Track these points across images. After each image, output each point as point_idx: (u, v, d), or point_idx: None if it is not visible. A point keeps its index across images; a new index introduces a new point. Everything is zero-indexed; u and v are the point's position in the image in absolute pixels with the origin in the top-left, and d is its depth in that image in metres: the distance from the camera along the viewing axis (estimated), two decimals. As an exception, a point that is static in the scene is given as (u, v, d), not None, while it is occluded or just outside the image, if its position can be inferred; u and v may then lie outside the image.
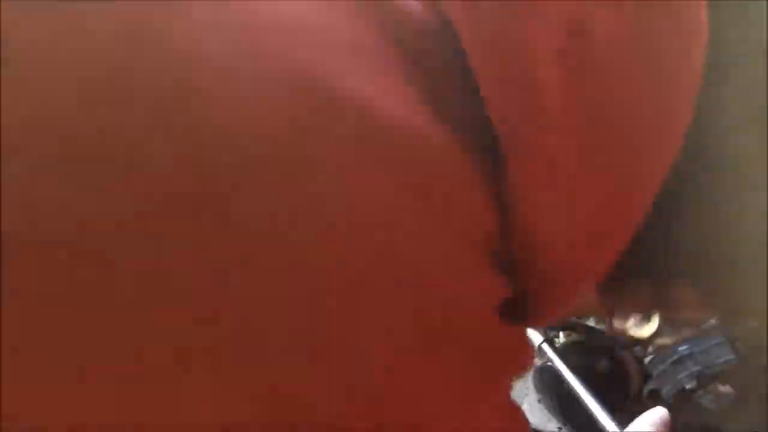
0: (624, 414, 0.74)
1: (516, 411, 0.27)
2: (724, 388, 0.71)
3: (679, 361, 0.69)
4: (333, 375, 0.19)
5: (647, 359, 0.72)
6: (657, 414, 0.51)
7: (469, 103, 0.22)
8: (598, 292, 0.30)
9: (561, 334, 0.80)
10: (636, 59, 0.22)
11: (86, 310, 0.18)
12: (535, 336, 0.75)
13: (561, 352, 0.71)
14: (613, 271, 0.26)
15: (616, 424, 0.60)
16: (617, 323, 0.62)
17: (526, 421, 0.28)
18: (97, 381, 0.18)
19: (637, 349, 0.77)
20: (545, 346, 0.72)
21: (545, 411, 0.75)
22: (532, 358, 0.26)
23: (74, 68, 0.18)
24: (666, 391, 0.70)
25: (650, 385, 0.73)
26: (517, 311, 0.25)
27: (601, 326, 0.77)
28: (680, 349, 0.69)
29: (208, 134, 0.18)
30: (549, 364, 0.72)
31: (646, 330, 0.64)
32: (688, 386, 0.69)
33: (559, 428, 0.74)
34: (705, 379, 0.69)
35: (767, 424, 0.65)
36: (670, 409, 0.57)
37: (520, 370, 0.25)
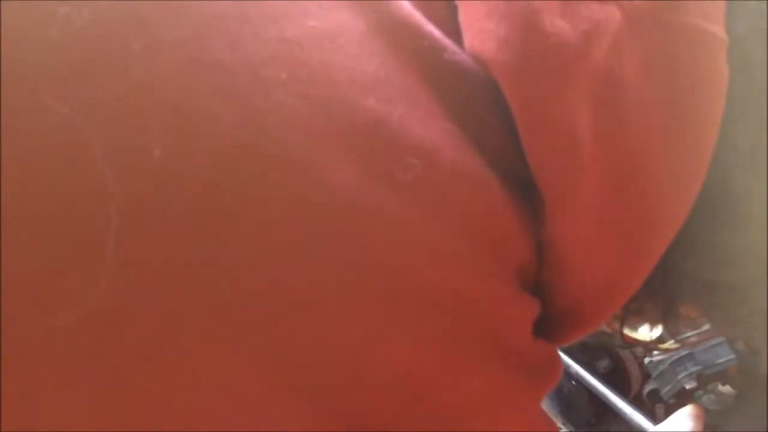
0: (624, 414, 0.74)
1: (549, 421, 0.29)
2: (724, 388, 0.71)
3: (679, 361, 0.69)
4: (395, 390, 0.21)
5: (647, 359, 0.72)
6: (690, 409, 0.52)
7: (510, 147, 0.23)
8: None
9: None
10: (662, 105, 0.23)
11: None
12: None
13: (562, 351, 0.72)
14: None
15: (651, 421, 0.61)
16: (627, 331, 0.63)
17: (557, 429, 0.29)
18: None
19: (638, 349, 0.77)
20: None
21: (545, 411, 0.75)
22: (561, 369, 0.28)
23: None
24: (666, 391, 0.70)
25: (650, 385, 0.73)
26: (546, 330, 0.28)
27: (601, 327, 0.77)
28: (680, 349, 0.69)
29: (296, 191, 0.20)
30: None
31: (651, 334, 0.64)
32: (688, 386, 0.69)
33: (559, 428, 0.74)
34: (705, 379, 0.69)
35: (767, 424, 0.65)
36: (670, 409, 0.57)
37: (552, 382, 0.27)
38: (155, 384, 0.19)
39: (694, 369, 0.69)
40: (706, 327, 0.64)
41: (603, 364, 0.76)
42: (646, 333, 0.61)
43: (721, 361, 0.68)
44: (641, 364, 0.75)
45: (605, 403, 0.70)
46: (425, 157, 0.21)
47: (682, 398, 0.71)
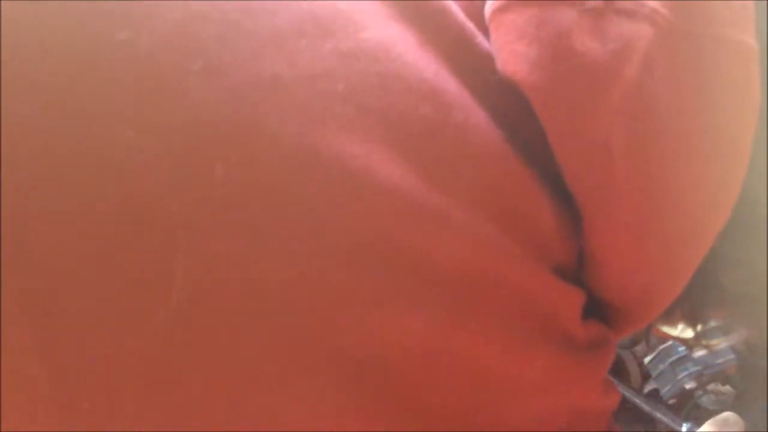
0: (624, 414, 0.74)
1: (610, 390, 0.30)
2: (724, 388, 0.71)
3: (679, 361, 0.69)
4: (461, 377, 0.22)
5: (647, 359, 0.72)
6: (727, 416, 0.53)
7: (545, 153, 0.24)
8: None
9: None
10: (695, 117, 0.24)
11: None
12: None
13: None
14: None
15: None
16: (664, 331, 0.64)
17: (616, 398, 0.31)
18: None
19: (637, 349, 0.77)
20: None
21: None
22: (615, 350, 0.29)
23: None
24: (666, 391, 0.70)
25: (650, 385, 0.73)
26: (601, 317, 0.29)
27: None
28: (680, 349, 0.69)
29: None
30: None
31: (689, 332, 0.64)
32: (688, 386, 0.69)
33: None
34: (705, 379, 0.69)
35: (767, 424, 0.65)
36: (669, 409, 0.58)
37: (608, 358, 0.29)
38: (225, 392, 0.20)
39: (694, 369, 0.69)
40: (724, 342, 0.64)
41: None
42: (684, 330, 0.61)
43: (721, 361, 0.69)
44: (641, 364, 0.75)
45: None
46: (479, 161, 0.22)
47: (682, 398, 0.71)
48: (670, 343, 0.70)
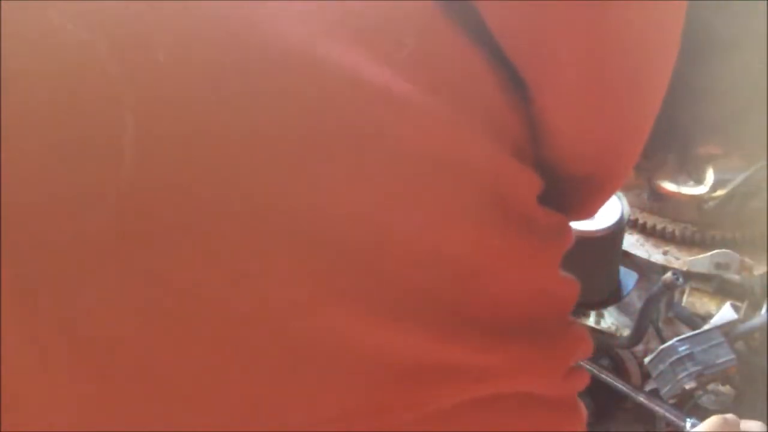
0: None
1: (569, 279, 0.30)
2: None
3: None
4: (418, 255, 0.22)
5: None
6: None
7: (475, 19, 0.24)
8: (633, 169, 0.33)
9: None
10: None
11: None
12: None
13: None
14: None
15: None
16: (667, 188, 0.62)
17: (576, 289, 0.31)
18: None
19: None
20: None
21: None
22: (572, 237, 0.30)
23: None
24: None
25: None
26: (562, 206, 0.29)
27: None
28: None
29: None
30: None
31: (700, 188, 0.62)
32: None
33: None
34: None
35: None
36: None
37: (565, 246, 0.29)
38: (184, 269, 0.19)
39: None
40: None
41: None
42: (694, 187, 0.60)
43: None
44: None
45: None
46: (419, 35, 0.22)
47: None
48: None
